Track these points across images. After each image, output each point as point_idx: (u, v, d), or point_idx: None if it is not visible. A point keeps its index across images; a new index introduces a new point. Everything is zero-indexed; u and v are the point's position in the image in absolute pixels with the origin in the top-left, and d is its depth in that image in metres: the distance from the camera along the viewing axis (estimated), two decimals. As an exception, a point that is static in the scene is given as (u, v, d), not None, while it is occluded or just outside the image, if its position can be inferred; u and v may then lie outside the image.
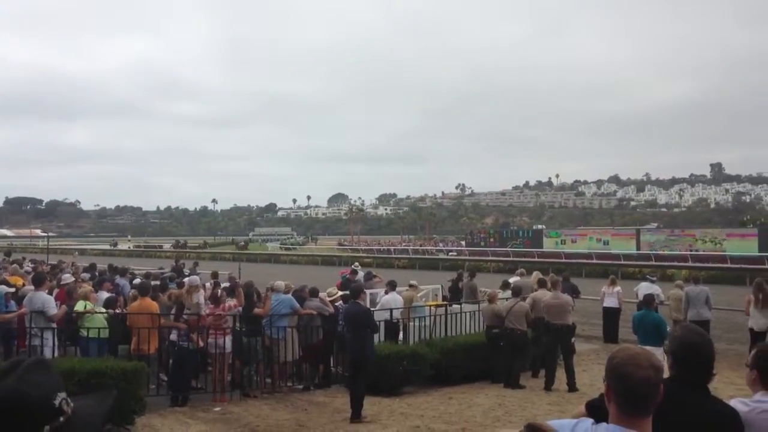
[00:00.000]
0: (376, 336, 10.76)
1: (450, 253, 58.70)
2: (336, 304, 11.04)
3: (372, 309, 12.26)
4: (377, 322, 11.05)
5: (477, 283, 15.56)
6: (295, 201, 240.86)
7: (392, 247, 71.09)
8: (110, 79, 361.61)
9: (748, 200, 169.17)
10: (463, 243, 65.95)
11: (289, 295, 10.87)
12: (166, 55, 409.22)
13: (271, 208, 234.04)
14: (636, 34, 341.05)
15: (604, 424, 2.16)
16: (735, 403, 3.02)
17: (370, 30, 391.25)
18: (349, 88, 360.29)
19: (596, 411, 2.32)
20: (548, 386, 10.55)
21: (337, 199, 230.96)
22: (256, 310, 10.14)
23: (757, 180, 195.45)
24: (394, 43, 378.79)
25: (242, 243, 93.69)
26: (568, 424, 2.21)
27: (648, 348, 8.06)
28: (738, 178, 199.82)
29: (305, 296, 11.46)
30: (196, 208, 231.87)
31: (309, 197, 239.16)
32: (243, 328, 10.11)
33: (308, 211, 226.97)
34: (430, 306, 13.50)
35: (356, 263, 24.56)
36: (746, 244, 41.52)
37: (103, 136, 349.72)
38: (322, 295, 11.34)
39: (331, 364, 10.82)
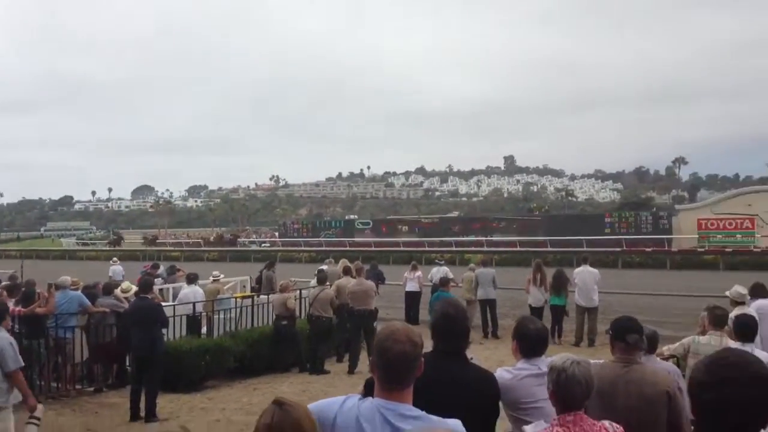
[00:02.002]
0: (178, 331, 10.41)
1: (263, 245, 58.13)
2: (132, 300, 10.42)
3: (174, 303, 11.79)
4: (179, 316, 10.67)
5: (287, 272, 15.54)
6: (94, 193, 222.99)
7: (201, 240, 68.83)
8: None
9: (535, 189, 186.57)
10: (277, 234, 65.71)
11: (78, 292, 10.10)
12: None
13: (67, 201, 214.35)
14: (439, 30, 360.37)
15: (369, 398, 2.27)
16: (500, 372, 3.32)
17: (180, 16, 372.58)
18: (156, 76, 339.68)
19: (372, 388, 2.41)
20: (351, 369, 10.87)
21: (143, 191, 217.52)
22: (38, 309, 9.26)
23: (543, 171, 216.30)
24: (204, 30, 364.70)
25: (113, 237, 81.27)
26: (338, 401, 2.30)
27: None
28: (527, 170, 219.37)
29: (98, 293, 10.74)
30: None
31: (110, 189, 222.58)
32: (22, 330, 9.16)
33: (110, 204, 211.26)
34: (237, 297, 13.26)
35: (114, 258, 23.37)
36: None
37: None
38: (116, 291, 10.66)
39: (127, 363, 10.21)
